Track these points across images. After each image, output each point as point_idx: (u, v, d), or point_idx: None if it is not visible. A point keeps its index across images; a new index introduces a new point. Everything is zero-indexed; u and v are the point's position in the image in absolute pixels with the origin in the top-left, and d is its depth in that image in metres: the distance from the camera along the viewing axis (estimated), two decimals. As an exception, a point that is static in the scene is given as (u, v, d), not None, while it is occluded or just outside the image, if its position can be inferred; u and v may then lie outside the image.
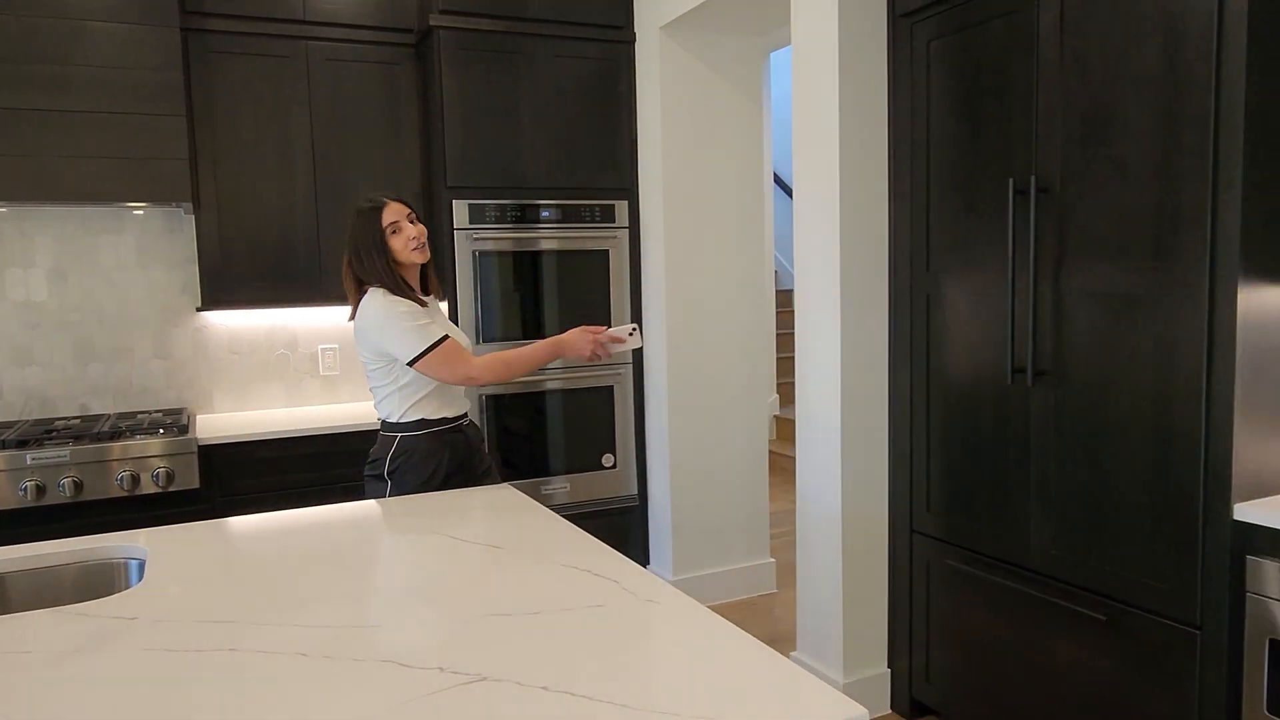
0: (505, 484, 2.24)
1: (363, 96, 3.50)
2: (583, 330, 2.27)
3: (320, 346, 3.79)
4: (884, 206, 2.69)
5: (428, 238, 2.45)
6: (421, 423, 2.32)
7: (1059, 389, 2.17)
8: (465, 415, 2.43)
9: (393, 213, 2.29)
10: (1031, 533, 2.26)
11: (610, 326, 2.27)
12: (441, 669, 1.17)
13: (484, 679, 1.14)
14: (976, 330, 2.39)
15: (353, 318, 2.32)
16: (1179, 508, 1.92)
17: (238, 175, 3.35)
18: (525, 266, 3.60)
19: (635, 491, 3.86)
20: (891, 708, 2.81)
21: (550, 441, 3.71)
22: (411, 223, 2.31)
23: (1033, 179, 2.16)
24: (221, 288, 3.35)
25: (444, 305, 2.50)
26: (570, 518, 3.73)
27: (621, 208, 3.73)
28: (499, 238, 3.53)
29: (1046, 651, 2.25)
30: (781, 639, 3.43)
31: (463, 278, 3.48)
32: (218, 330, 3.61)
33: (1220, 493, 1.84)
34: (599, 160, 3.69)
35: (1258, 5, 1.74)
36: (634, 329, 2.24)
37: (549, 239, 3.63)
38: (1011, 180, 2.20)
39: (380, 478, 2.33)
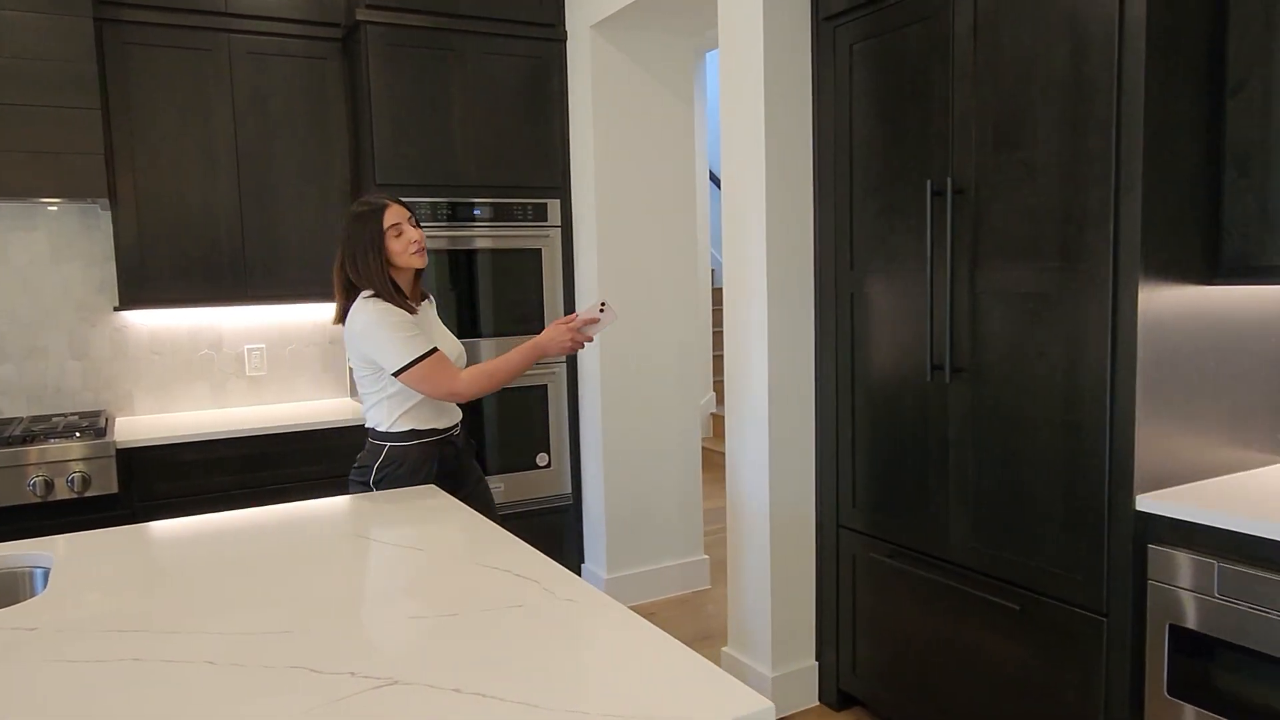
0: (433, 486, 2.23)
1: (289, 91, 3.43)
2: (556, 325, 2.21)
3: (247, 346, 3.71)
4: (810, 206, 2.73)
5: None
6: (412, 433, 2.27)
7: (975, 386, 2.23)
8: (457, 426, 2.38)
9: (395, 214, 2.23)
10: (951, 526, 2.33)
11: (578, 312, 2.20)
12: (353, 674, 1.16)
13: (395, 683, 1.13)
14: (898, 328, 2.44)
15: (338, 320, 2.28)
16: (1086, 500, 1.99)
17: (158, 171, 3.26)
18: (457, 265, 3.57)
19: (570, 490, 3.86)
20: (819, 700, 2.86)
21: (484, 441, 3.69)
22: (412, 226, 2.26)
23: (949, 181, 2.22)
24: (141, 286, 3.26)
25: (432, 308, 2.43)
26: (505, 518, 3.72)
27: (554, 206, 3.72)
28: (430, 236, 3.49)
29: (965, 641, 2.31)
30: (714, 635, 3.46)
31: (393, 276, 3.43)
32: (138, 330, 3.51)
33: (1124, 485, 1.91)
34: (531, 158, 3.67)
35: (1155, 16, 1.81)
36: (603, 305, 2.17)
37: (481, 237, 3.60)
38: (929, 182, 2.26)
39: (365, 485, 2.28)
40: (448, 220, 3.53)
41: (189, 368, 3.60)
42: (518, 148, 3.64)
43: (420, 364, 2.16)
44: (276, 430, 3.23)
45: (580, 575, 3.92)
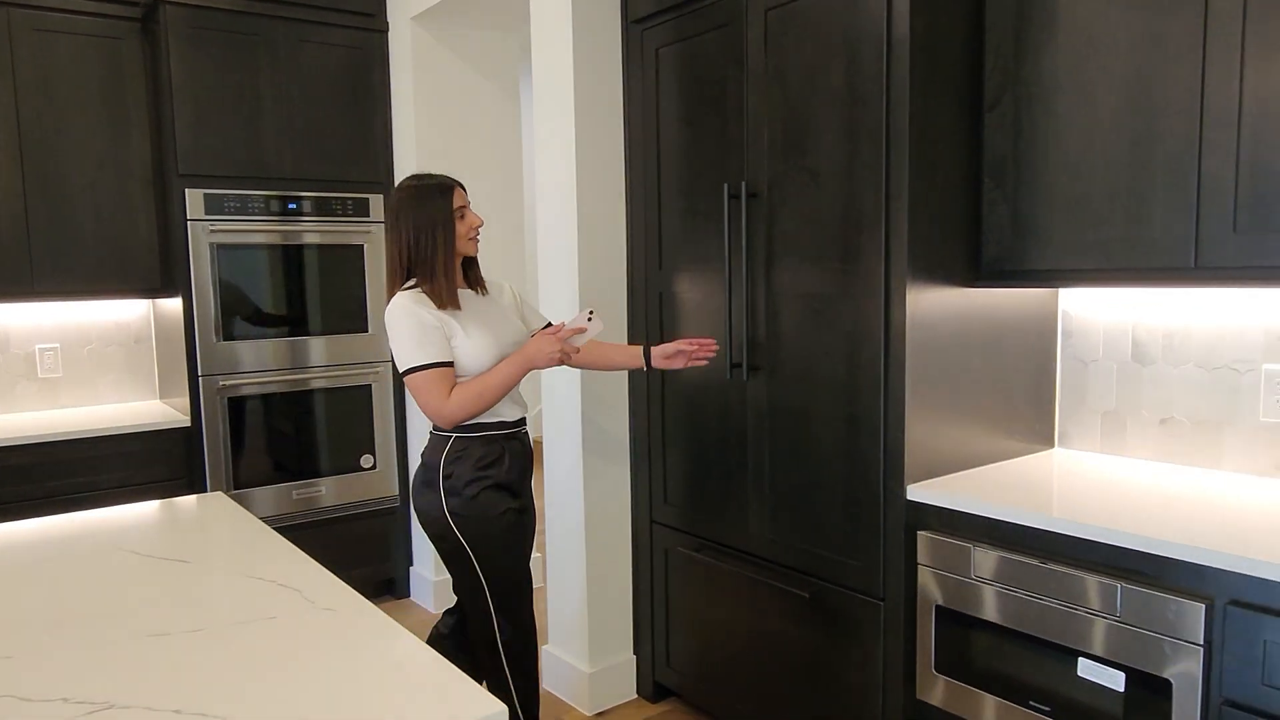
0: (216, 493, 2.13)
1: (81, 73, 3.20)
2: (543, 336, 2.09)
3: (38, 346, 3.44)
4: (621, 206, 2.77)
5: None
6: (476, 425, 2.12)
7: (770, 383, 2.31)
8: (524, 419, 2.23)
9: (461, 196, 2.13)
10: (750, 519, 2.40)
11: (565, 322, 2.12)
12: (65, 699, 1.09)
13: (111, 706, 1.07)
14: (703, 326, 2.51)
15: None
16: (865, 491, 2.09)
17: (-77, 155, 2.97)
18: (272, 261, 3.43)
19: (397, 492, 3.77)
20: (636, 693, 2.91)
21: (306, 443, 3.56)
22: (471, 211, 2.15)
23: (743, 185, 2.29)
24: (-96, 282, 2.97)
25: (503, 296, 2.31)
26: (330, 521, 3.60)
27: (376, 201, 3.62)
28: (241, 230, 3.34)
29: (764, 629, 2.40)
30: (541, 633, 3.46)
31: (199, 272, 3.26)
32: (-96, 329, 3.20)
33: (896, 475, 2.03)
34: (351, 152, 3.56)
35: (918, 35, 1.92)
36: (590, 313, 2.09)
37: (297, 232, 3.47)
38: (726, 185, 2.32)
39: (432, 485, 2.13)
40: (262, 214, 3.38)
41: (-33, 370, 3.31)
42: (337, 140, 3.53)
43: (420, 372, 2.03)
44: (71, 437, 3.02)
45: (409, 579, 3.84)
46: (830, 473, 2.17)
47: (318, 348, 3.55)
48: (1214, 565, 1.53)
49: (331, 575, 1.51)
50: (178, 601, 1.41)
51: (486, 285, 2.25)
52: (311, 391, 3.55)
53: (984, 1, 2.04)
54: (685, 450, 2.62)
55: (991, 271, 2.07)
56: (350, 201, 3.57)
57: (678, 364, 2.30)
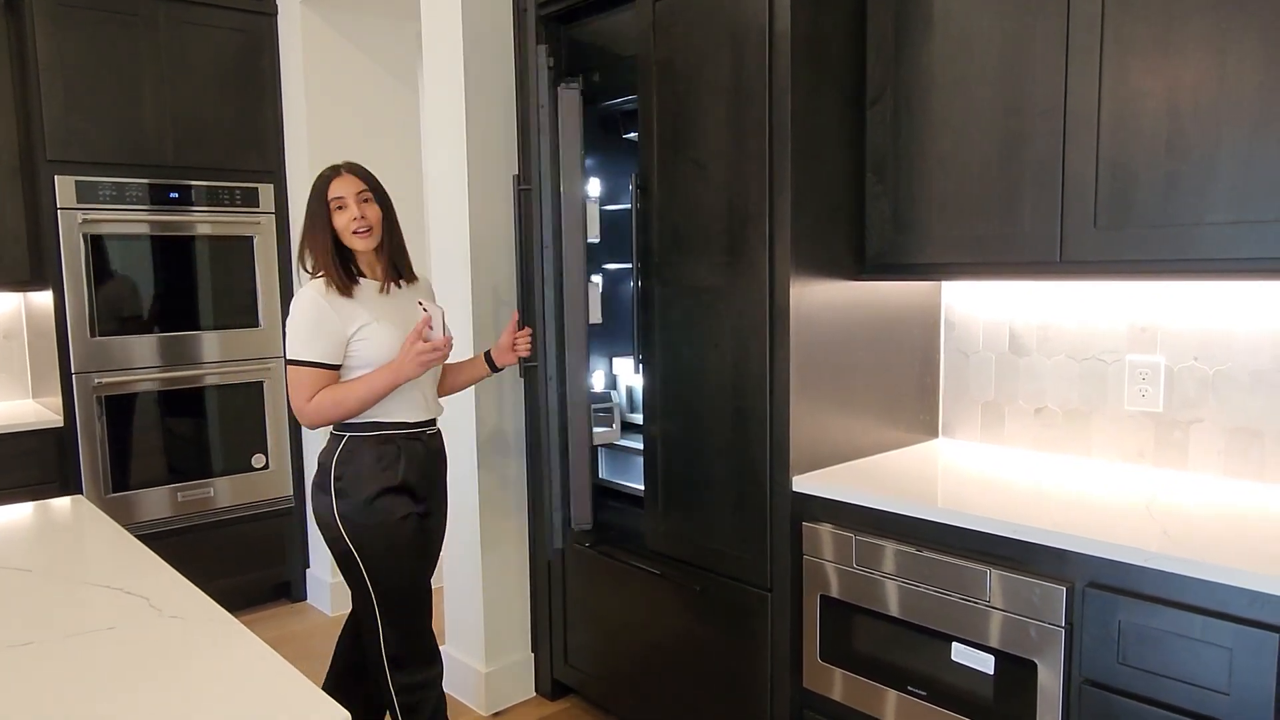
0: (79, 497, 2.01)
1: (-63, 51, 3.00)
2: (402, 348, 1.99)
3: (-107, 343, 3.22)
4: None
5: (380, 221, 2.07)
6: (373, 424, 2.03)
7: (663, 377, 2.30)
8: (432, 423, 2.15)
9: (341, 186, 2.03)
10: (646, 514, 2.39)
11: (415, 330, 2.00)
12: None
13: (-86, 729, 0.99)
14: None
15: None
16: (753, 483, 2.10)
17: None
18: (154, 252, 3.27)
19: (291, 492, 3.65)
20: (535, 691, 2.87)
21: (194, 442, 3.41)
22: (363, 202, 2.03)
23: (633, 176, 2.27)
24: None
25: (424, 288, 2.24)
26: (221, 524, 3.47)
27: (266, 191, 3.49)
28: (117, 219, 3.18)
29: (660, 624, 2.39)
30: (439, 634, 3.39)
31: (70, 264, 3.09)
32: None
33: (782, 467, 2.04)
34: (238, 140, 3.43)
35: (800, 30, 1.93)
36: (420, 303, 2.03)
37: (181, 223, 3.32)
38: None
39: (324, 487, 2.04)
40: (142, 203, 3.22)
41: None
42: (224, 128, 3.39)
43: (298, 367, 1.97)
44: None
45: (305, 581, 3.73)
46: (719, 466, 2.18)
47: (206, 343, 3.41)
48: (1074, 549, 1.57)
49: (185, 581, 1.44)
50: (9, 613, 1.32)
51: (415, 280, 2.18)
52: (200, 389, 3.41)
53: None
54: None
55: (875, 265, 2.10)
56: (239, 191, 3.43)
57: (510, 359, 2.31)
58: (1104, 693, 1.55)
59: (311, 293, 1.99)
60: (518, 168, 2.70)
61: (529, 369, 2.55)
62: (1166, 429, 2.00)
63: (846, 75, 2.06)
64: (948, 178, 1.95)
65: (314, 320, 1.97)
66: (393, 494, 2.04)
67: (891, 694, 1.87)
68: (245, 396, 3.52)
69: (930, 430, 2.39)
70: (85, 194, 3.11)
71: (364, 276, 2.07)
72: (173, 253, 3.31)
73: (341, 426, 2.05)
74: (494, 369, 2.32)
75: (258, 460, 3.57)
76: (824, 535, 1.96)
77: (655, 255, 2.27)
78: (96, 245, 3.15)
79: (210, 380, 3.43)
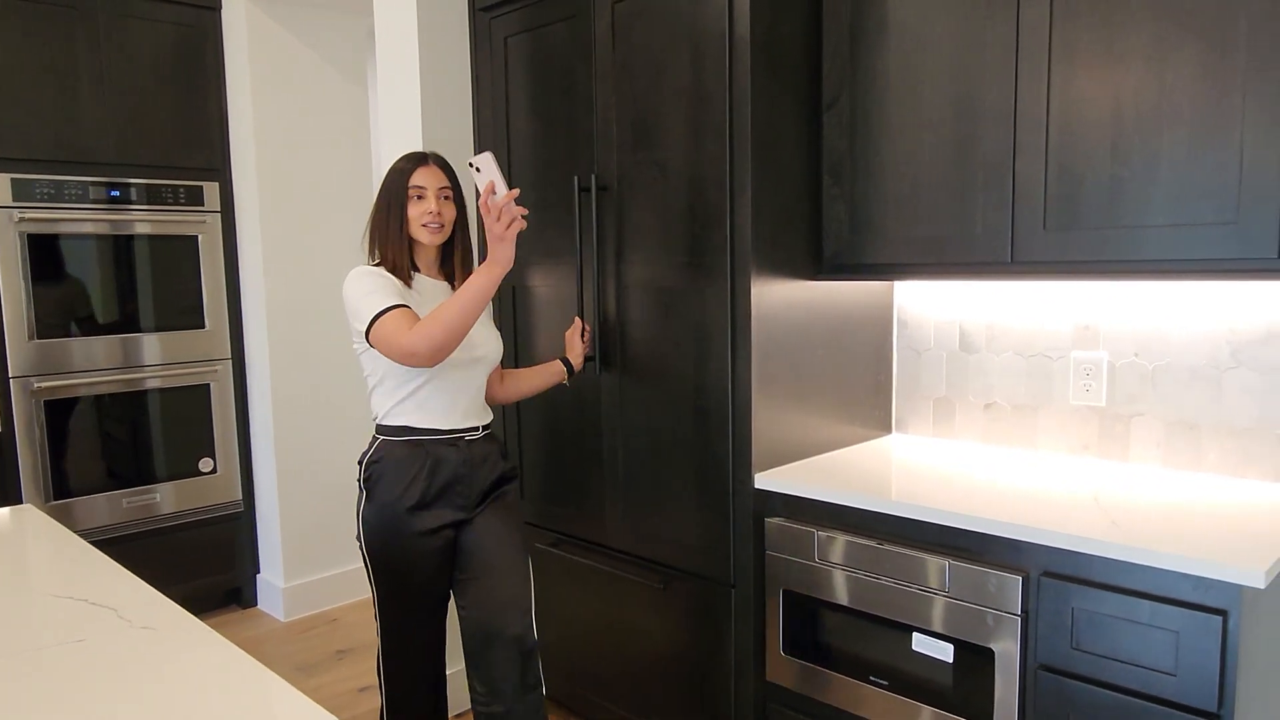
0: (27, 506, 1.96)
1: None
2: (486, 224, 1.78)
3: None
4: (470, 199, 2.71)
5: (460, 227, 2.01)
6: (405, 428, 1.94)
7: (624, 376, 2.32)
8: (476, 430, 2.01)
9: (425, 176, 1.92)
10: (607, 512, 2.41)
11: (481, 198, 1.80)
12: None
13: (-118, 750, 0.97)
14: (557, 320, 2.49)
15: None
16: (716, 480, 2.13)
17: None
18: (96, 252, 3.18)
19: (240, 496, 3.59)
20: (496, 690, 2.87)
21: (138, 447, 3.33)
22: (443, 199, 1.94)
23: (594, 178, 2.28)
24: None
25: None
26: (167, 530, 3.40)
27: (211, 190, 3.42)
28: (56, 218, 3.08)
29: (623, 621, 2.41)
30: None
31: (6, 264, 2.99)
32: None
33: (744, 465, 2.08)
34: (183, 137, 3.35)
35: (759, 35, 1.97)
36: (471, 163, 1.80)
37: (123, 221, 3.23)
38: (577, 178, 2.31)
39: (359, 485, 1.98)
40: (81, 202, 3.13)
41: None
42: (167, 124, 3.31)
43: (381, 320, 1.81)
44: None
45: (256, 587, 3.66)
46: (682, 464, 2.20)
47: (150, 345, 3.33)
48: (1028, 540, 1.64)
49: (152, 590, 1.41)
50: (-29, 628, 1.28)
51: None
52: (144, 392, 3.33)
53: (821, 3, 2.10)
54: (541, 445, 2.60)
55: (832, 265, 2.15)
56: (183, 190, 3.35)
57: (580, 359, 2.31)
58: (1058, 677, 1.61)
59: (361, 269, 1.91)
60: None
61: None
62: (1109, 422, 2.09)
63: (803, 80, 2.10)
64: (902, 180, 2.00)
65: (376, 280, 1.87)
66: (416, 508, 1.93)
67: (854, 685, 1.92)
68: (191, 399, 3.44)
69: (884, 426, 2.45)
70: (22, 192, 3.01)
71: (418, 272, 1.98)
72: (115, 252, 3.22)
73: (379, 428, 1.98)
74: (571, 372, 2.28)
75: (205, 464, 3.49)
76: (786, 531, 2.01)
77: (615, 256, 2.29)
78: (35, 245, 3.05)
79: (154, 383, 3.35)
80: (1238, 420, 1.91)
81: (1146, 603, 1.50)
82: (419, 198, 1.92)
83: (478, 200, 1.81)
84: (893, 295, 2.43)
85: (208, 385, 3.48)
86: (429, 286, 1.99)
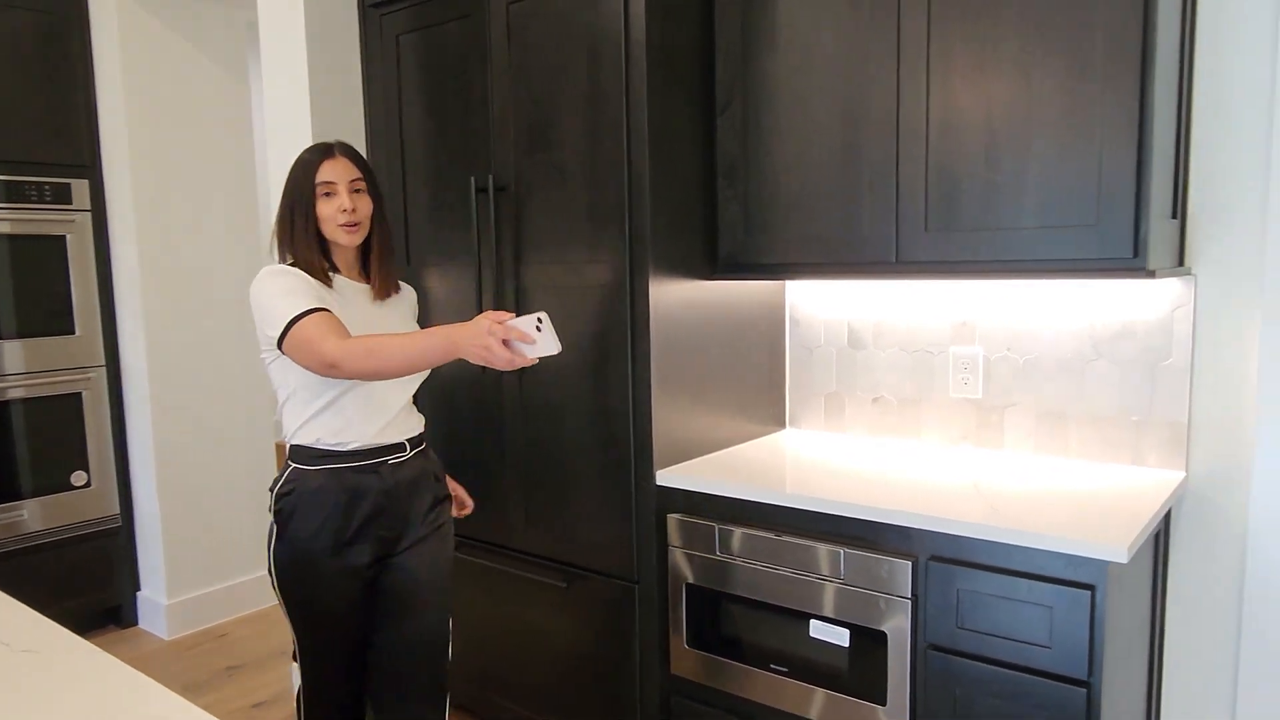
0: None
1: None
2: (484, 319, 1.57)
3: None
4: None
5: (370, 218, 1.83)
6: (316, 451, 1.73)
7: (524, 377, 2.32)
8: (402, 447, 1.81)
9: (332, 169, 1.75)
10: (511, 514, 2.41)
11: (514, 320, 1.58)
12: None
13: None
14: (455, 322, 2.46)
15: None
16: (618, 478, 2.16)
17: None
18: (-53, 254, 2.97)
19: (118, 511, 3.41)
20: (397, 699, 2.82)
21: (1, 461, 3.12)
22: (355, 192, 1.77)
23: (490, 179, 2.27)
24: None
25: (409, 300, 1.97)
26: (36, 549, 3.20)
27: (80, 187, 3.23)
28: (-97, 219, 2.86)
29: (528, 623, 2.41)
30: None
31: None
32: None
33: (646, 462, 2.11)
34: (47, 132, 3.15)
35: (654, 39, 2.00)
36: (540, 321, 1.56)
37: (-20, 222, 3.02)
38: (473, 179, 2.30)
39: (271, 516, 1.77)
40: (-69, 200, 2.92)
41: None
42: (29, 118, 3.11)
43: (299, 325, 1.62)
44: None
45: (136, 605, 3.49)
46: (584, 463, 2.22)
47: (12, 353, 3.13)
48: (917, 527, 1.73)
49: (31, 611, 1.34)
50: None
51: (397, 289, 1.91)
52: (6, 403, 3.12)
53: (714, 9, 2.15)
54: (444, 448, 2.56)
55: (727, 265, 2.20)
56: (48, 187, 3.16)
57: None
58: (946, 655, 1.71)
59: (278, 265, 1.74)
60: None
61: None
62: (985, 413, 2.22)
63: (698, 84, 2.15)
64: (793, 182, 2.07)
65: (291, 280, 1.69)
66: (334, 549, 1.75)
67: (755, 673, 1.97)
68: (61, 409, 3.25)
69: (779, 421, 2.53)
70: None
71: (337, 273, 1.81)
72: (-29, 254, 3.02)
73: (290, 450, 1.78)
74: None
75: (78, 478, 3.30)
76: (688, 525, 2.05)
77: (513, 256, 2.29)
78: (-122, 247, 2.82)
79: (17, 393, 3.15)
80: (1099, 409, 2.06)
81: (1024, 581, 1.61)
82: (328, 194, 1.75)
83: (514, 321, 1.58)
84: (785, 294, 2.51)
85: (79, 394, 3.29)
86: (351, 289, 1.82)
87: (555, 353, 1.57)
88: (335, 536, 1.75)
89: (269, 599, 3.70)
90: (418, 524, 1.85)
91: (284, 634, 3.41)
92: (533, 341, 1.57)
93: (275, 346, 1.69)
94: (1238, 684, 1.93)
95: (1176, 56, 1.80)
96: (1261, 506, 1.87)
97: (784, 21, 2.05)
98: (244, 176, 3.51)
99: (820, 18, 1.99)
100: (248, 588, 3.59)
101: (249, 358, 3.57)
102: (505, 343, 1.55)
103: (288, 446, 1.79)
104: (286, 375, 1.74)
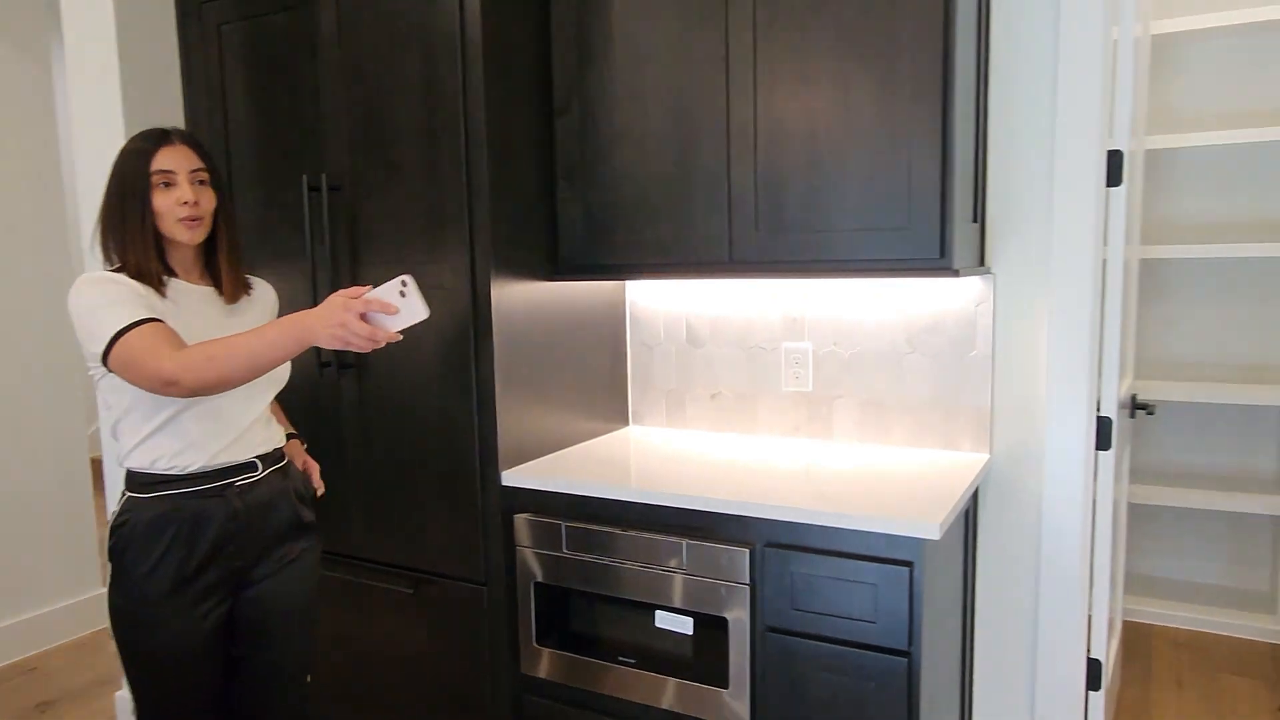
0: None
1: None
2: (336, 297, 1.44)
3: None
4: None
5: (224, 217, 1.66)
6: (154, 478, 1.55)
7: (363, 381, 2.26)
8: (254, 466, 1.63)
9: (170, 158, 1.56)
10: (352, 521, 2.34)
11: (372, 292, 1.47)
12: None
13: None
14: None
15: None
16: (464, 480, 2.15)
17: None
18: None
19: (-99, 539, 3.08)
20: (233, 721, 2.69)
21: None
22: (197, 184, 1.59)
23: (324, 177, 2.21)
24: None
25: (267, 300, 1.80)
26: None
27: None
28: None
29: (375, 633, 2.35)
30: (117, 677, 3.06)
31: None
32: None
33: (491, 463, 2.11)
34: None
35: (489, 39, 2.00)
36: (404, 283, 1.44)
37: None
38: (305, 177, 2.22)
39: (108, 555, 1.58)
40: None
41: None
42: None
43: (125, 337, 1.44)
44: None
45: (-74, 641, 3.16)
46: (428, 466, 2.19)
47: None
48: (753, 515, 1.81)
49: None
50: None
51: (248, 290, 1.75)
52: None
53: (550, 11, 2.17)
54: (275, 457, 2.47)
55: (568, 265, 2.23)
56: None
57: None
58: (782, 636, 1.80)
59: (99, 273, 1.55)
60: (187, 163, 2.49)
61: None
62: (816, 405, 2.34)
63: (536, 85, 2.16)
64: (631, 184, 2.12)
65: (113, 288, 1.51)
66: (174, 590, 1.57)
67: (604, 666, 2.01)
68: None
69: (622, 418, 2.58)
70: None
71: (174, 276, 1.63)
72: None
73: (126, 476, 1.60)
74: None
75: None
76: (534, 525, 2.06)
77: (349, 256, 2.23)
78: None
79: None
80: (915, 398, 2.22)
81: (850, 562, 1.72)
82: (166, 185, 1.56)
83: (375, 291, 1.48)
84: (625, 293, 2.56)
85: None
86: (189, 294, 1.64)
87: (424, 318, 1.48)
88: (176, 572, 1.57)
89: (97, 622, 3.44)
90: (274, 549, 1.72)
91: (106, 663, 3.18)
92: (395, 311, 1.47)
93: (101, 363, 1.52)
94: (1037, 640, 2.13)
95: (974, 78, 1.97)
96: (1053, 481, 2.07)
97: (618, 26, 2.09)
98: (47, 167, 3.24)
99: (653, 25, 2.05)
100: (67, 614, 3.32)
101: (57, 370, 3.31)
102: (363, 317, 1.45)
103: (123, 472, 1.62)
104: (119, 395, 1.57)
